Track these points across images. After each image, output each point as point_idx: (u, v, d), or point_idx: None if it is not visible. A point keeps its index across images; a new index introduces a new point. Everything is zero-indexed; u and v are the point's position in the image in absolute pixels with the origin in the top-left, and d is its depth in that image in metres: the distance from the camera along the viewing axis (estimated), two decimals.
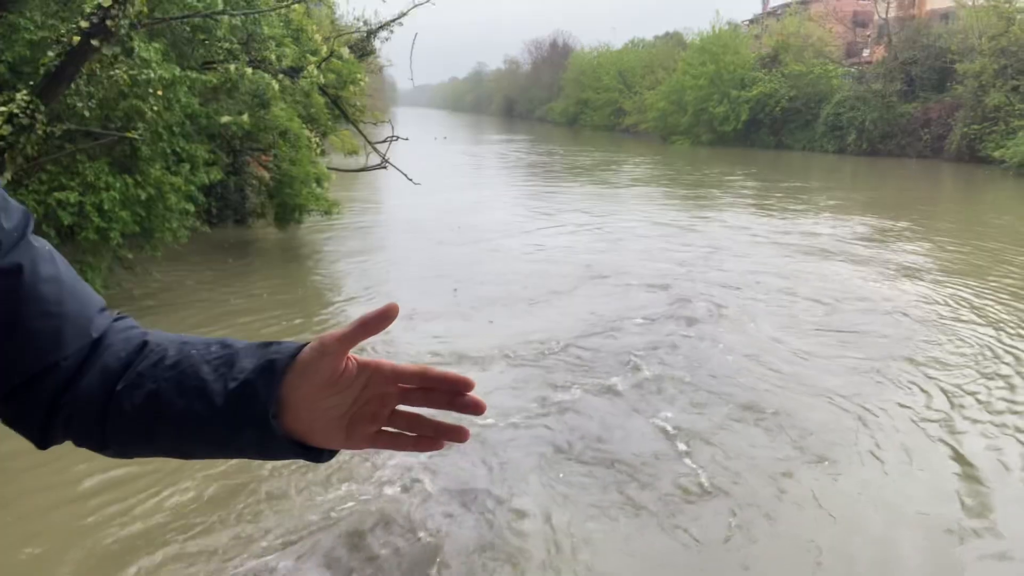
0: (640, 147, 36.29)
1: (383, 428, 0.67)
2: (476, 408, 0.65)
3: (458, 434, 0.67)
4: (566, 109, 58.53)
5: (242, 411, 0.65)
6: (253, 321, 7.16)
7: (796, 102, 35.28)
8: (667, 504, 3.99)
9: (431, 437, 0.67)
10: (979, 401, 5.48)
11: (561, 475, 4.29)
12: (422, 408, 0.67)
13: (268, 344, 0.69)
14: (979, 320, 7.55)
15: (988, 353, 6.52)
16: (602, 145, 37.96)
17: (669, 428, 4.90)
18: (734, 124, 36.77)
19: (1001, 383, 5.83)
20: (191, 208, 7.36)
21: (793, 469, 4.44)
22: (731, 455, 4.56)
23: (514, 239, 12.11)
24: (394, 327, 5.87)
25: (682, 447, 4.65)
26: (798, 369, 6.15)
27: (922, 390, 5.66)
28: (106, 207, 6.38)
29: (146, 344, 0.71)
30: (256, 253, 10.63)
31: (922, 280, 9.44)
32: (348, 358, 0.65)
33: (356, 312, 7.36)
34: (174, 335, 0.73)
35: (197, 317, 7.21)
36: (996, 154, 24.69)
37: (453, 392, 0.65)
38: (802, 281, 9.26)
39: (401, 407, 0.67)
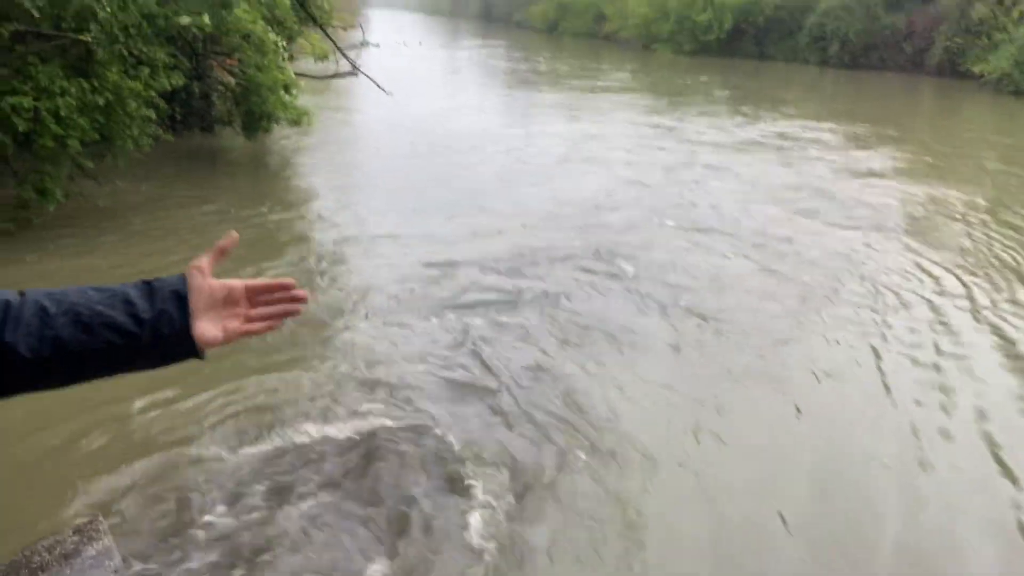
0: (621, 55, 35.39)
1: (244, 324, 0.96)
2: (301, 299, 1.00)
3: (293, 313, 1.00)
4: (545, 13, 56.52)
5: (162, 333, 0.90)
6: (218, 231, 7.05)
7: (781, 11, 34.42)
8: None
9: (278, 319, 0.99)
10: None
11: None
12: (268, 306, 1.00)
13: (149, 282, 0.93)
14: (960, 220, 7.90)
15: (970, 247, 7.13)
16: (581, 52, 36.98)
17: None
18: (717, 33, 35.88)
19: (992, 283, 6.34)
20: (152, 115, 7.12)
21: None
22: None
23: (490, 145, 11.99)
24: (373, 234, 6.10)
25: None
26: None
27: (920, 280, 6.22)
28: (63, 113, 6.15)
29: (8, 303, 0.87)
30: (223, 163, 10.38)
31: (901, 183, 9.77)
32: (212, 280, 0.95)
33: (324, 226, 7.40)
34: (32, 291, 0.90)
35: (163, 228, 7.10)
36: (976, 69, 24.48)
37: (284, 289, 0.99)
38: (783, 184, 9.39)
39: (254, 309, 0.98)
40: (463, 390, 4.32)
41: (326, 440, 3.75)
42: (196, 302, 0.92)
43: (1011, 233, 7.87)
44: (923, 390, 4.54)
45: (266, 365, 4.41)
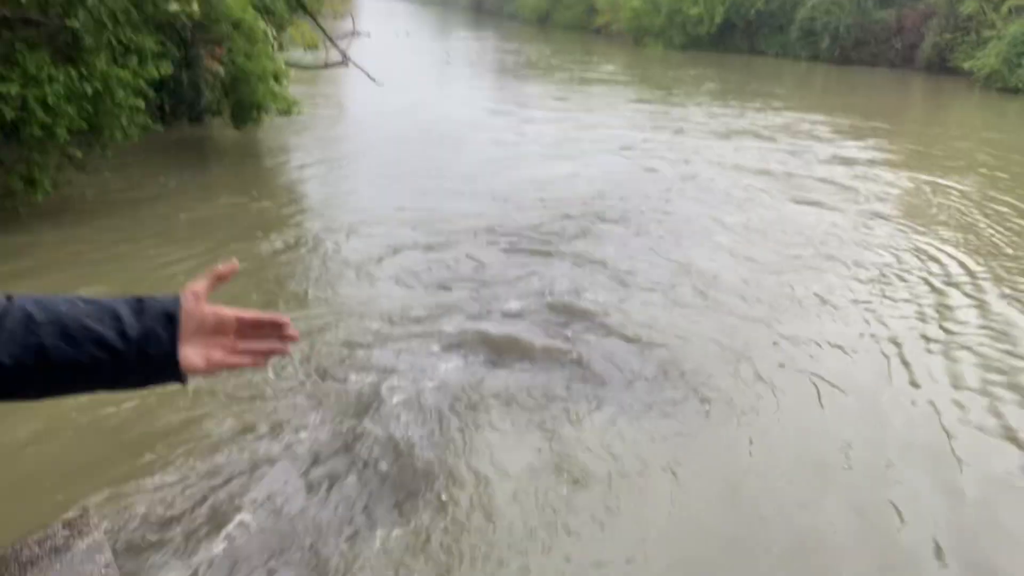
0: (611, 49, 35.35)
1: (228, 357, 0.93)
2: (292, 339, 0.97)
3: (280, 352, 0.98)
4: (536, 5, 56.34)
5: (148, 353, 0.87)
6: (210, 227, 7.01)
7: (771, 4, 34.45)
8: None
9: (263, 356, 0.96)
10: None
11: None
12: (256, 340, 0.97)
13: (140, 298, 0.90)
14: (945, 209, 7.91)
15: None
16: (572, 45, 36.91)
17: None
18: (708, 27, 35.89)
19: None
20: (141, 104, 7.03)
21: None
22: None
23: (481, 133, 11.99)
24: (359, 227, 6.15)
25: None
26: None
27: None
28: (50, 101, 6.06)
29: None
30: (213, 153, 10.29)
31: (893, 171, 9.81)
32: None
33: (313, 221, 7.35)
34: (19, 296, 0.87)
35: (150, 220, 7.03)
36: (966, 65, 24.61)
37: (275, 326, 0.96)
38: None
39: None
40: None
41: (312, 426, 3.72)
42: (186, 326, 0.90)
43: (1003, 217, 8.14)
44: (932, 362, 4.75)
45: None
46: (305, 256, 6.31)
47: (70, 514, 2.54)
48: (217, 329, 0.93)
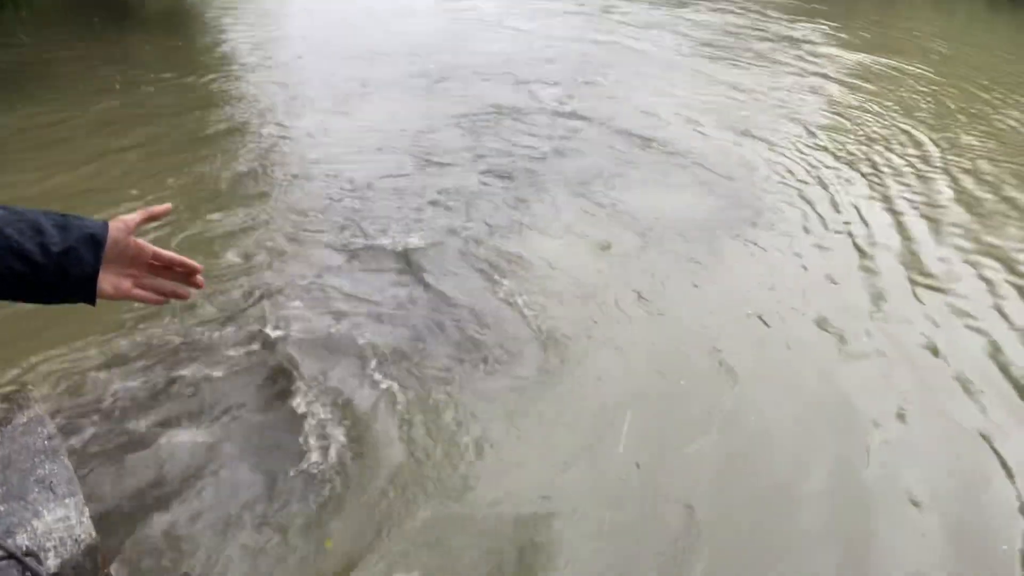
0: None
1: (134, 289, 0.98)
2: (197, 286, 1.04)
3: (181, 296, 1.04)
4: None
5: (68, 271, 0.89)
6: (133, 96, 6.60)
7: None
8: None
9: (164, 296, 1.02)
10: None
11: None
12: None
13: (65, 215, 0.92)
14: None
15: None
16: None
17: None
18: None
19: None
20: None
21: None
22: None
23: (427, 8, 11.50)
24: (293, 106, 5.90)
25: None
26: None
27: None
28: None
29: None
30: (137, 19, 9.57)
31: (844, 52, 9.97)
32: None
33: (246, 99, 6.98)
34: None
35: (73, 90, 6.55)
36: None
37: (187, 271, 1.02)
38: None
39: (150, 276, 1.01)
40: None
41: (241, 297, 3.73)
42: (108, 252, 0.93)
43: (952, 96, 8.49)
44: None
45: (210, 227, 4.28)
46: (241, 131, 6.03)
47: (7, 388, 2.54)
48: (133, 260, 0.97)
